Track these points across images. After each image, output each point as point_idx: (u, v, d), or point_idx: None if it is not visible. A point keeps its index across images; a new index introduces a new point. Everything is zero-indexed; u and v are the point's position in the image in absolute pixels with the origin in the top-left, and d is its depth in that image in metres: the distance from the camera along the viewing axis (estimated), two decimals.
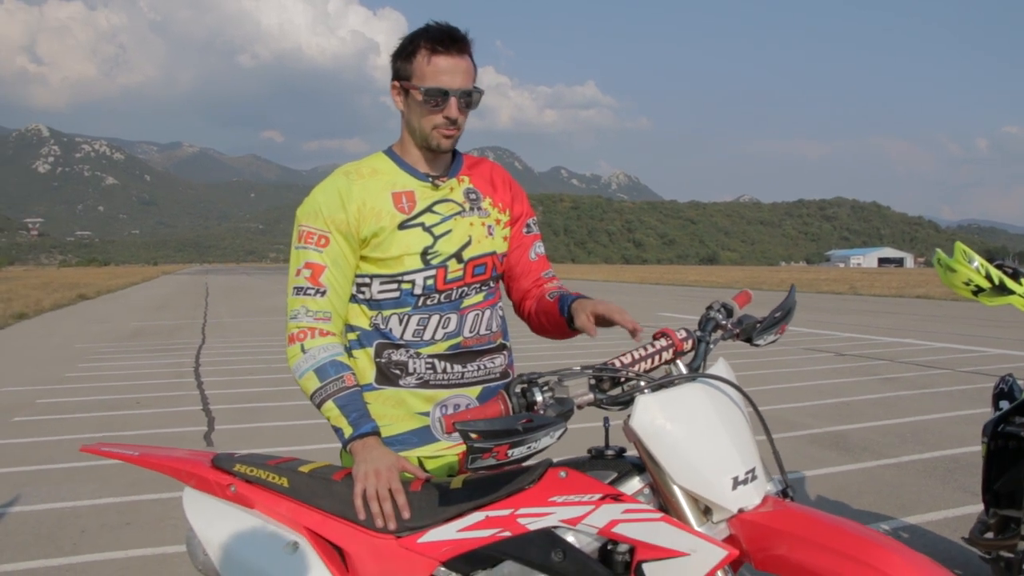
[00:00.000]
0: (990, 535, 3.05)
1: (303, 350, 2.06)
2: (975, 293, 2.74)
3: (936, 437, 6.74)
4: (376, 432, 2.01)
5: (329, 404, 2.01)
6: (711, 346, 1.91)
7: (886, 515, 4.74)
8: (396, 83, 2.14)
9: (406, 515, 1.86)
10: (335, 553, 1.91)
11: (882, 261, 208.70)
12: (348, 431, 1.99)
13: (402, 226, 2.12)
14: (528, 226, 2.34)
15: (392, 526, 1.86)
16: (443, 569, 1.82)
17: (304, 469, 2.01)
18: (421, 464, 2.15)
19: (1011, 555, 2.61)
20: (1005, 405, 3.10)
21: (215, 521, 2.00)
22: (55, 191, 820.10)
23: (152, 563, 4.18)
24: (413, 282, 2.12)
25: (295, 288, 2.11)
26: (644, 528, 1.64)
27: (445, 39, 2.05)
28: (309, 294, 2.10)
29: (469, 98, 2.09)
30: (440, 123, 2.08)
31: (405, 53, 2.10)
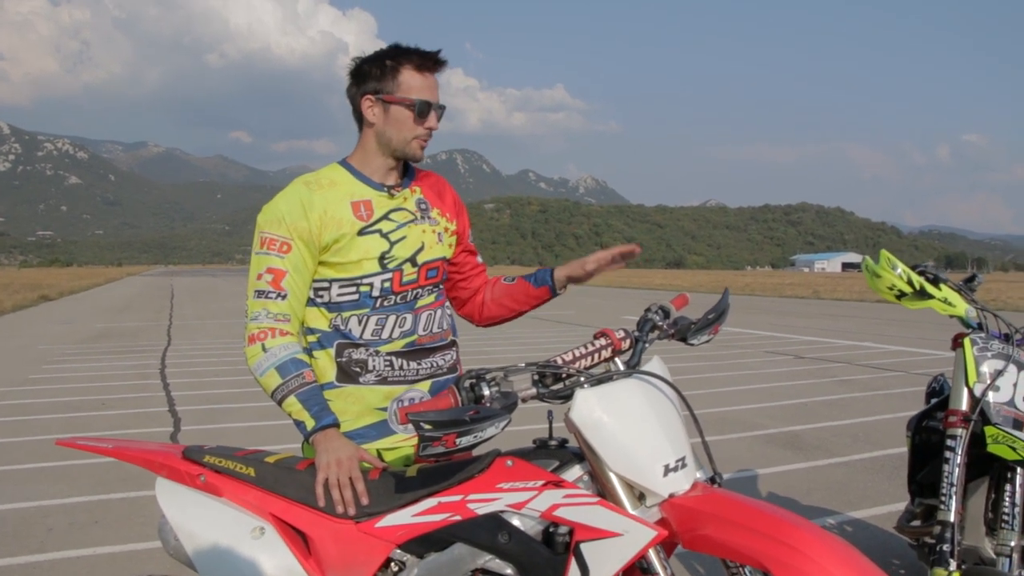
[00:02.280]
0: (916, 523, 3.24)
1: (264, 349, 2.20)
2: (898, 297, 2.93)
3: (886, 436, 6.96)
4: (336, 424, 2.16)
5: (291, 399, 2.15)
6: (647, 345, 2.06)
7: (833, 510, 4.93)
8: (371, 97, 2.28)
9: (365, 501, 2.00)
10: (299, 538, 2.05)
11: (846, 266, 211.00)
12: (310, 424, 2.13)
13: (361, 232, 2.27)
14: (470, 236, 2.59)
15: (352, 512, 2.00)
16: (398, 551, 1.96)
17: (270, 460, 2.15)
18: (380, 456, 2.30)
19: (932, 540, 2.79)
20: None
21: (186, 509, 2.12)
22: (16, 190, 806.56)
23: (121, 559, 4.25)
24: (371, 285, 2.27)
25: (256, 291, 2.25)
26: (582, 511, 1.78)
27: (432, 59, 2.28)
28: (270, 297, 2.23)
29: (441, 112, 2.33)
30: (422, 134, 2.29)
31: (387, 70, 2.26)
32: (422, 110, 2.25)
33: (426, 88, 2.26)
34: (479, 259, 2.62)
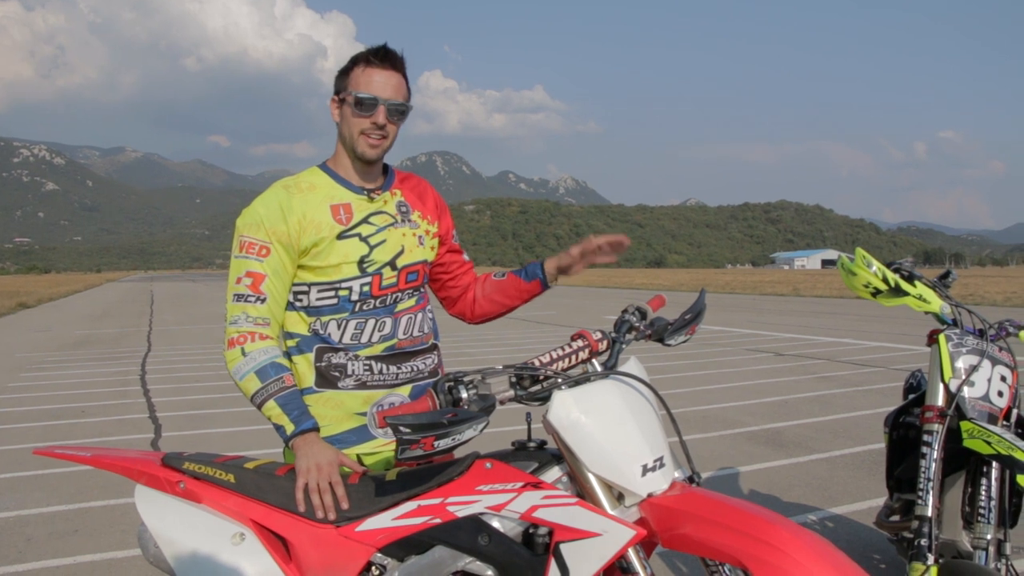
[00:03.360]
0: (895, 518, 3.27)
1: (243, 353, 2.19)
2: (874, 295, 2.95)
3: (866, 432, 7.01)
4: (316, 428, 2.15)
5: (270, 403, 2.15)
6: (624, 346, 2.07)
7: (814, 507, 4.96)
8: (335, 97, 2.31)
9: (345, 506, 2.00)
10: (279, 543, 2.04)
11: (825, 263, 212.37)
12: (290, 428, 2.13)
13: (340, 236, 2.27)
14: (455, 236, 2.57)
15: (332, 516, 2.00)
16: (379, 555, 1.96)
17: (249, 466, 2.14)
18: (360, 460, 2.30)
19: (910, 535, 2.82)
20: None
21: (166, 516, 2.11)
22: None
23: (100, 568, 4.23)
24: (350, 289, 2.27)
25: (235, 295, 2.25)
26: (561, 512, 1.79)
27: (380, 53, 2.25)
28: (250, 301, 2.23)
29: (398, 110, 2.26)
30: (367, 128, 2.24)
31: (345, 70, 2.29)
32: (359, 102, 2.22)
33: (372, 83, 2.23)
34: (466, 257, 2.63)
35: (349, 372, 2.29)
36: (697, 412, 8.02)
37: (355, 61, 2.27)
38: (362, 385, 2.29)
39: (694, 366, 11.43)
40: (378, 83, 2.23)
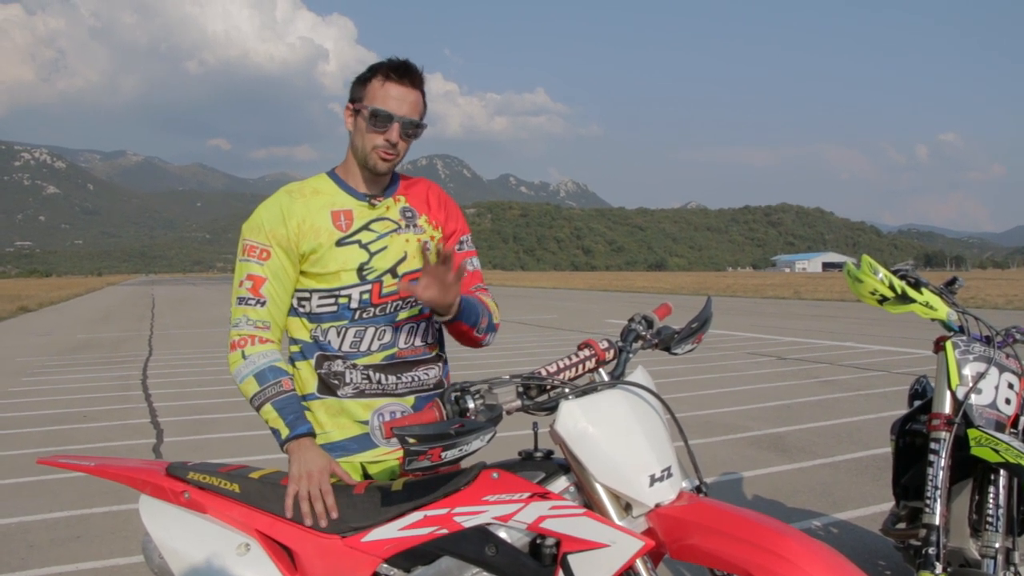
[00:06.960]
0: (902, 526, 3.26)
1: (243, 356, 2.20)
2: (880, 302, 2.94)
3: (869, 437, 6.98)
4: (311, 433, 2.15)
5: (267, 407, 2.15)
6: (631, 355, 2.05)
7: (818, 512, 4.94)
8: (349, 105, 2.28)
9: (334, 515, 2.00)
10: (284, 554, 2.04)
11: (826, 266, 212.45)
12: (285, 432, 2.13)
13: (339, 243, 2.26)
14: (460, 243, 2.46)
15: (323, 524, 2.00)
16: (385, 566, 1.95)
17: (254, 475, 2.13)
18: (364, 468, 2.30)
19: (918, 543, 2.81)
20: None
21: (170, 526, 2.10)
22: None
23: (104, 575, 4.21)
24: (350, 296, 2.26)
25: (238, 298, 2.25)
26: (569, 523, 1.78)
27: (400, 68, 2.22)
28: (250, 304, 2.23)
29: (412, 128, 2.24)
30: (380, 144, 2.22)
31: (363, 79, 2.26)
32: (374, 116, 2.19)
33: (389, 99, 2.19)
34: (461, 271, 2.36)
35: (347, 380, 2.28)
36: (699, 417, 8.01)
37: (374, 72, 2.24)
38: (360, 393, 2.28)
39: (696, 370, 11.41)
40: (395, 99, 2.20)
